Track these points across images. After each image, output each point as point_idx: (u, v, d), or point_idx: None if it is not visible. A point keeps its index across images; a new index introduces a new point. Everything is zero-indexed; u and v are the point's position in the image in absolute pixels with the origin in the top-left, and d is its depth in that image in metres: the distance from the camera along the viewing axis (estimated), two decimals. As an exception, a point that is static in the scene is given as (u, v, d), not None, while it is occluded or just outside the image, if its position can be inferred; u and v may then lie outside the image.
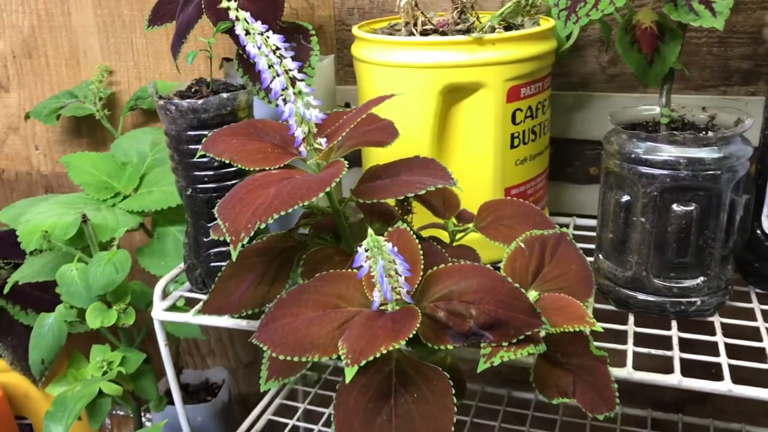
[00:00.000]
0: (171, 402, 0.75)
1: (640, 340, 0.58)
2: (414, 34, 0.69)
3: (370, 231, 0.41)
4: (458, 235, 0.59)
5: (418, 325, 0.44)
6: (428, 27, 0.70)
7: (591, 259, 0.65)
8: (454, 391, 0.45)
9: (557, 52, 0.73)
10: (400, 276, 0.45)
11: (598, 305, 0.63)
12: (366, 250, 0.42)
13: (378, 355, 0.42)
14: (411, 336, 0.43)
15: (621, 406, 0.88)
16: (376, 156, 0.65)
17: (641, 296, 0.60)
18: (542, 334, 0.48)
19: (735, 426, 0.85)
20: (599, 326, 0.49)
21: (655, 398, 0.91)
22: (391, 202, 0.59)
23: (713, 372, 0.54)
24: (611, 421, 0.86)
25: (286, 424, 0.88)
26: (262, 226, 0.45)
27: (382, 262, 0.42)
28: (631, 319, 0.61)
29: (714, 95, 0.79)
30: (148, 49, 0.99)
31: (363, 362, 0.42)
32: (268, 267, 0.58)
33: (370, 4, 0.87)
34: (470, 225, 0.59)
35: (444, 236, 0.60)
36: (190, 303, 0.69)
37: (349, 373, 0.42)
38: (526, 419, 0.87)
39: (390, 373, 0.46)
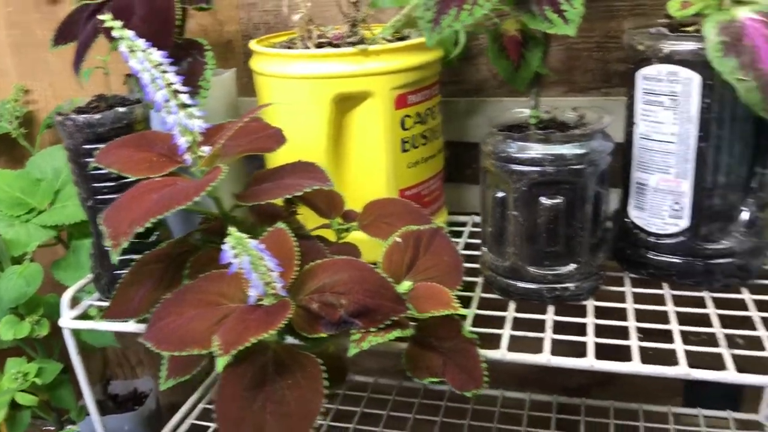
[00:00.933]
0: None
1: (527, 325, 0.62)
2: (308, 48, 0.73)
3: (231, 229, 0.44)
4: (343, 234, 0.63)
5: (289, 316, 0.47)
6: (323, 40, 0.74)
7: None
8: (326, 376, 0.48)
9: (447, 60, 0.78)
10: (273, 272, 0.48)
11: (485, 295, 0.68)
12: (232, 248, 0.45)
13: (248, 344, 0.45)
14: (282, 326, 0.47)
15: (529, 393, 0.93)
16: (277, 163, 0.68)
17: (520, 284, 0.65)
18: (425, 320, 0.52)
19: (634, 406, 0.90)
20: (465, 310, 0.53)
21: (563, 384, 0.97)
22: (280, 203, 0.63)
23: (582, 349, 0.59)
24: (519, 407, 0.91)
25: (209, 427, 0.90)
26: (141, 229, 0.48)
27: (248, 258, 0.46)
28: (512, 306, 0.65)
29: (597, 96, 0.84)
30: (62, 68, 1.01)
31: (233, 352, 0.45)
32: (165, 272, 0.60)
33: (275, 19, 0.91)
34: (354, 223, 0.63)
35: (332, 236, 0.64)
36: (103, 311, 0.71)
37: (221, 363, 0.45)
38: (440, 409, 0.91)
39: (267, 362, 0.49)
